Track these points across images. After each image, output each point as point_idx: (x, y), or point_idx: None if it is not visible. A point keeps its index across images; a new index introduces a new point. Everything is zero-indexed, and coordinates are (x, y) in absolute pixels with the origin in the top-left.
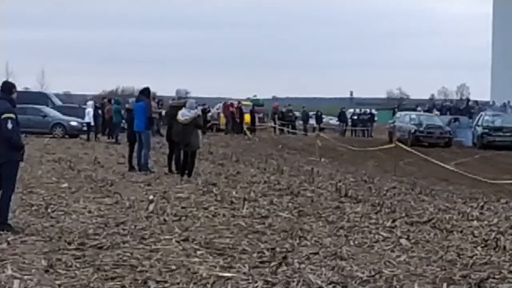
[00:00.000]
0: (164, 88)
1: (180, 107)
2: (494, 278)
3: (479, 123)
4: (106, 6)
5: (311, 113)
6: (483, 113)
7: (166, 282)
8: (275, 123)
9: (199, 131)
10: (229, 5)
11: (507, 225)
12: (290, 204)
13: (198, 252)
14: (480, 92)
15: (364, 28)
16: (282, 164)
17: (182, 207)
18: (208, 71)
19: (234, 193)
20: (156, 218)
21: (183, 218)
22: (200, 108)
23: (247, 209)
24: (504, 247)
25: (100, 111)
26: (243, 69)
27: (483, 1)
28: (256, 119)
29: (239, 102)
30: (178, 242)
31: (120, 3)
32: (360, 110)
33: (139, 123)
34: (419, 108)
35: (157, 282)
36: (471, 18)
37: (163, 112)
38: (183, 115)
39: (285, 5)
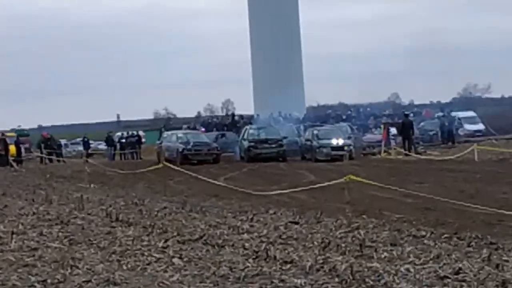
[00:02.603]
0: None
1: None
2: None
3: (245, 137)
4: None
5: (78, 140)
6: (247, 126)
7: None
8: (41, 152)
9: None
10: None
11: (276, 235)
12: (60, 234)
13: None
14: (244, 106)
15: (126, 50)
16: (51, 193)
17: None
18: None
19: (1, 227)
20: None
21: None
22: None
23: (15, 242)
24: (275, 257)
25: None
26: (5, 100)
27: (240, 17)
28: (22, 150)
29: (2, 134)
30: None
31: None
32: (128, 132)
33: None
34: (184, 126)
35: None
36: (230, 34)
37: None
38: None
39: (41, 31)
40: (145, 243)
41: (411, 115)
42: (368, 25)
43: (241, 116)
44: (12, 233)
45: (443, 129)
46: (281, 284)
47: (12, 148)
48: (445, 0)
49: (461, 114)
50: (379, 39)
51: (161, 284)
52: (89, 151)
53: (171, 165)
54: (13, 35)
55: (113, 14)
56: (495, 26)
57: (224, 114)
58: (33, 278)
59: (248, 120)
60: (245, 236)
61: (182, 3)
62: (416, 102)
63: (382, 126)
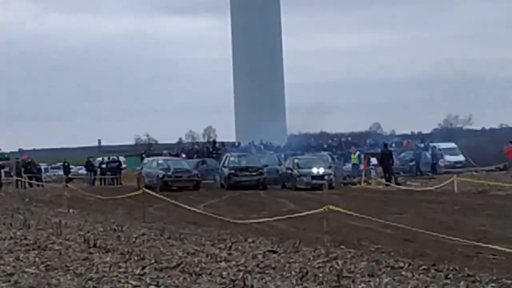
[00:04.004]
0: None
1: None
2: None
3: (226, 164)
4: None
5: (59, 164)
6: (228, 154)
7: None
8: (21, 176)
9: None
10: None
11: (254, 263)
12: (37, 259)
13: None
14: (226, 133)
15: (109, 76)
16: (29, 218)
17: None
18: None
19: None
20: None
21: None
22: None
23: None
24: (252, 286)
25: None
26: None
27: (223, 46)
28: (2, 173)
29: None
30: None
31: None
32: (108, 158)
33: None
34: (165, 152)
35: None
36: (213, 63)
37: None
38: None
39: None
40: (122, 269)
41: (393, 145)
42: (350, 55)
43: (222, 143)
44: None
45: (418, 160)
46: None
47: None
48: (428, 31)
49: (442, 145)
50: (362, 69)
51: None
52: (70, 176)
53: (151, 192)
54: None
55: (96, 40)
56: (478, 58)
57: (205, 141)
58: None
59: (229, 148)
60: (223, 264)
61: (166, 30)
62: (397, 132)
63: (362, 156)
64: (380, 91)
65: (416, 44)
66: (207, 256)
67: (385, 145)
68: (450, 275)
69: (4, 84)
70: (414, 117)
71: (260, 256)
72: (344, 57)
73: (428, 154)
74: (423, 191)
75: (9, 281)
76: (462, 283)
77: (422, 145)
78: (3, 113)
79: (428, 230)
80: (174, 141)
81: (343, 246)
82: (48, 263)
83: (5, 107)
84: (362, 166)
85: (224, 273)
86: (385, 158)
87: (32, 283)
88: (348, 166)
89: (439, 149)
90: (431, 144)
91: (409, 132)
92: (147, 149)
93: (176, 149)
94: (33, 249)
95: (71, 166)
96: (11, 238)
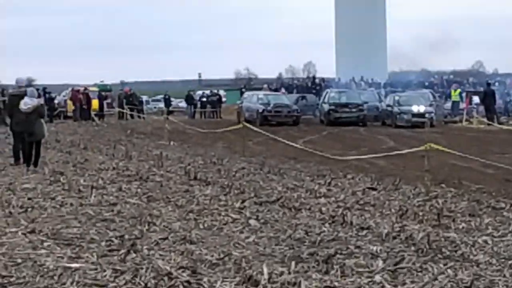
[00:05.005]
0: (9, 76)
1: (21, 96)
2: (341, 254)
3: (325, 100)
4: None
5: (159, 97)
6: (328, 90)
7: (12, 276)
8: (123, 108)
9: (43, 120)
10: None
11: (353, 200)
12: (139, 190)
13: (45, 244)
14: (326, 69)
15: (208, 9)
16: (131, 149)
17: (29, 198)
18: (52, 57)
19: (82, 181)
20: (1, 211)
21: (30, 209)
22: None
23: (95, 197)
24: (351, 223)
25: None
26: (88, 55)
27: None
28: (105, 105)
29: (85, 88)
30: (24, 234)
31: None
32: (210, 91)
33: None
34: (264, 86)
35: (3, 277)
36: None
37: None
38: (26, 104)
39: None
40: (222, 203)
41: (496, 84)
42: None
43: (322, 79)
44: (92, 187)
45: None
46: (356, 250)
47: (95, 103)
48: None
49: None
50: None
51: (236, 245)
52: (170, 109)
53: (251, 126)
54: None
55: None
56: None
57: (305, 76)
58: (111, 233)
59: (329, 83)
60: (322, 200)
61: None
62: (500, 71)
63: (464, 94)
64: (483, 29)
65: None
66: (306, 191)
67: (488, 84)
68: None
69: (107, 16)
70: None
71: (359, 193)
72: None
73: None
74: None
75: (112, 210)
76: None
77: None
78: (105, 45)
79: None
80: (274, 75)
81: (443, 185)
82: (150, 194)
83: (107, 40)
84: (464, 105)
85: (323, 208)
86: (488, 97)
87: (134, 213)
88: (449, 104)
89: None
90: None
91: None
92: (247, 83)
93: (275, 84)
94: (135, 180)
95: (172, 99)
96: (114, 168)
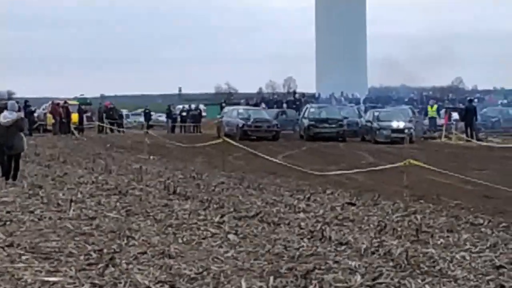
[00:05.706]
0: None
1: (1, 110)
2: (320, 269)
3: (305, 115)
4: None
5: (140, 111)
6: (308, 105)
7: None
8: (103, 122)
9: (22, 133)
10: (51, 5)
11: (332, 215)
12: (118, 204)
13: (23, 257)
14: (306, 84)
15: (191, 24)
16: (110, 163)
17: (7, 212)
18: (32, 71)
19: (61, 195)
20: None
21: (8, 222)
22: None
23: (74, 210)
24: (330, 238)
25: None
26: (68, 68)
27: None
28: (84, 118)
29: (65, 102)
30: (2, 248)
31: None
32: (189, 106)
33: None
34: (242, 101)
35: None
36: (295, 12)
37: None
38: (5, 117)
39: (108, 2)
40: (201, 217)
41: (475, 100)
42: (433, 8)
43: (303, 94)
44: (71, 201)
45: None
46: (335, 266)
47: (75, 116)
48: None
49: None
50: (445, 21)
51: (215, 259)
52: (150, 123)
53: (231, 140)
54: (74, 8)
55: None
56: None
57: (285, 91)
58: (89, 247)
59: (309, 98)
60: (301, 215)
61: None
62: (479, 88)
63: (444, 111)
64: (463, 45)
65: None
66: (285, 206)
67: (470, 100)
68: None
69: (89, 29)
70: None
71: (338, 208)
72: (427, 9)
73: (511, 111)
74: (504, 148)
75: (91, 224)
76: None
77: (505, 101)
78: (86, 59)
79: (509, 187)
80: (254, 90)
81: (422, 201)
82: (129, 208)
83: (87, 54)
84: (443, 121)
85: (302, 223)
86: (469, 114)
87: (113, 227)
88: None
89: None
90: None
91: (491, 88)
92: (227, 98)
93: (255, 99)
94: (114, 194)
95: (152, 113)
96: (93, 182)
